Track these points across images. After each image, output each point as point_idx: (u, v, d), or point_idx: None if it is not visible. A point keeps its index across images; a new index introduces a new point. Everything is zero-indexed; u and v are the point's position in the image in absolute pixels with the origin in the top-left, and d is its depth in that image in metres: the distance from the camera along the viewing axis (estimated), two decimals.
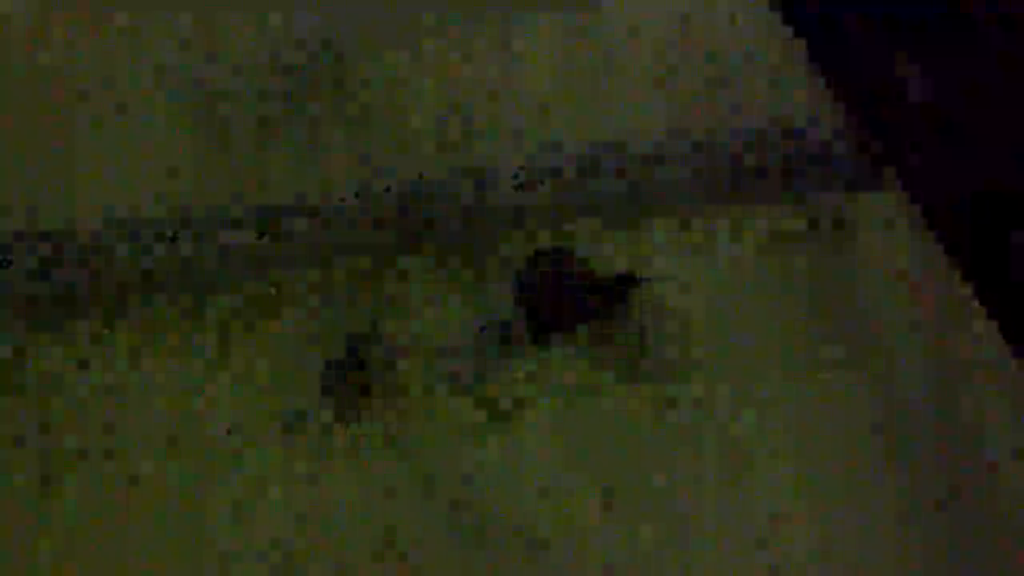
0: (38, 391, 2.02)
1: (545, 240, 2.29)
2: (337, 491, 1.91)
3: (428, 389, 2.04)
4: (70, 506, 1.88)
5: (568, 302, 2.09)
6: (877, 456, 1.95)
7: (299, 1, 2.93)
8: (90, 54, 2.64)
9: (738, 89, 2.66)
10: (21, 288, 2.19)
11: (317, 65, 2.73)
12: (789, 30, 2.79)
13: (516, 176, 2.45)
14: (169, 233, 2.31)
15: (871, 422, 2.00)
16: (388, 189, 2.42)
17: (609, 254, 2.25)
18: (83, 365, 2.06)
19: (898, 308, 2.18)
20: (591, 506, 1.89)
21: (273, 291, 2.19)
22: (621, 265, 2.19)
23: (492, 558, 1.83)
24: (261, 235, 2.30)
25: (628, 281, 2.13)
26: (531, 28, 2.81)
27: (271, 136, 2.56)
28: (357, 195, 2.40)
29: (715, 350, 2.11)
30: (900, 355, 2.10)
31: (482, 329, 2.12)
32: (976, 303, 2.18)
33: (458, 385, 2.04)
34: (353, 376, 2.02)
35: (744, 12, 2.86)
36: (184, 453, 1.94)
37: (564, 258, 2.10)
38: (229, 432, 1.97)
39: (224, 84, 2.70)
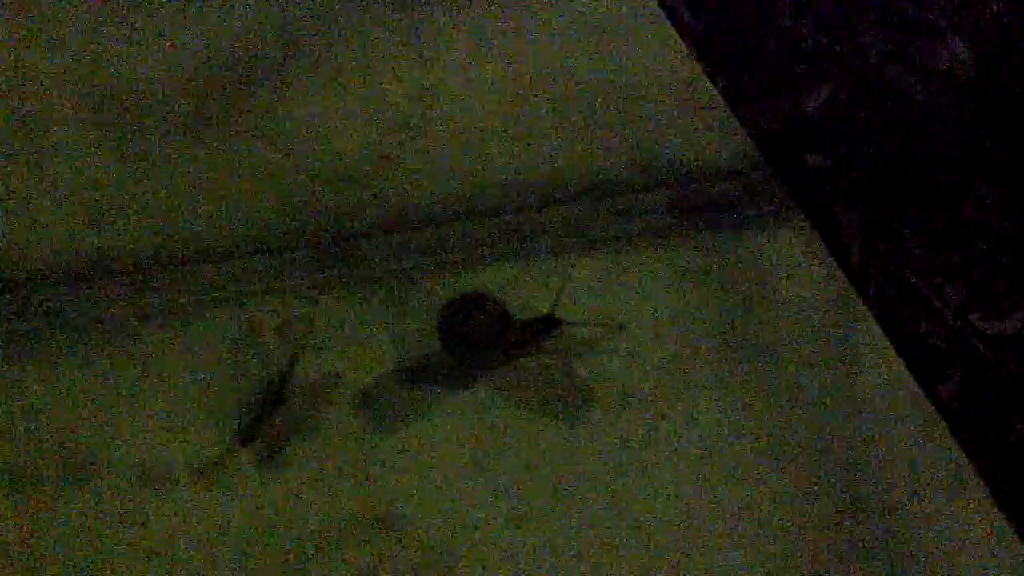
0: None
1: (466, 278, 2.31)
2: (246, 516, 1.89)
3: (348, 428, 2.03)
4: None
5: (489, 342, 2.11)
6: (779, 480, 2.01)
7: (212, 21, 2.90)
8: None
9: (649, 126, 2.70)
10: None
11: (229, 94, 2.70)
12: (702, 67, 2.85)
13: (437, 212, 2.46)
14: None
15: (775, 448, 2.05)
16: (306, 224, 2.40)
17: (529, 294, 2.27)
18: None
19: (804, 341, 2.24)
20: (501, 527, 1.91)
21: (186, 330, 2.17)
22: (541, 304, 2.21)
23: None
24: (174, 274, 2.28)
25: (548, 322, 2.16)
26: (450, 59, 2.83)
27: (181, 168, 2.52)
28: (273, 231, 2.38)
29: (628, 382, 2.14)
30: (805, 386, 2.16)
31: (402, 369, 2.13)
32: (881, 338, 2.25)
33: (379, 422, 2.04)
34: (270, 418, 2.01)
35: (656, 50, 2.92)
36: (91, 493, 1.90)
37: (485, 299, 2.12)
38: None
39: (136, 107, 2.66)
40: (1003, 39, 2.99)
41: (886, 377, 2.17)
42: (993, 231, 2.47)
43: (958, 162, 2.65)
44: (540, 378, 2.14)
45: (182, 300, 2.22)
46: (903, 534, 1.92)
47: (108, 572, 1.80)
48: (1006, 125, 2.73)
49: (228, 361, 2.11)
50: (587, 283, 2.32)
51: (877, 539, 1.91)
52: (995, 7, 3.09)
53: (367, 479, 1.94)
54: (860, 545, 1.90)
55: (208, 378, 2.08)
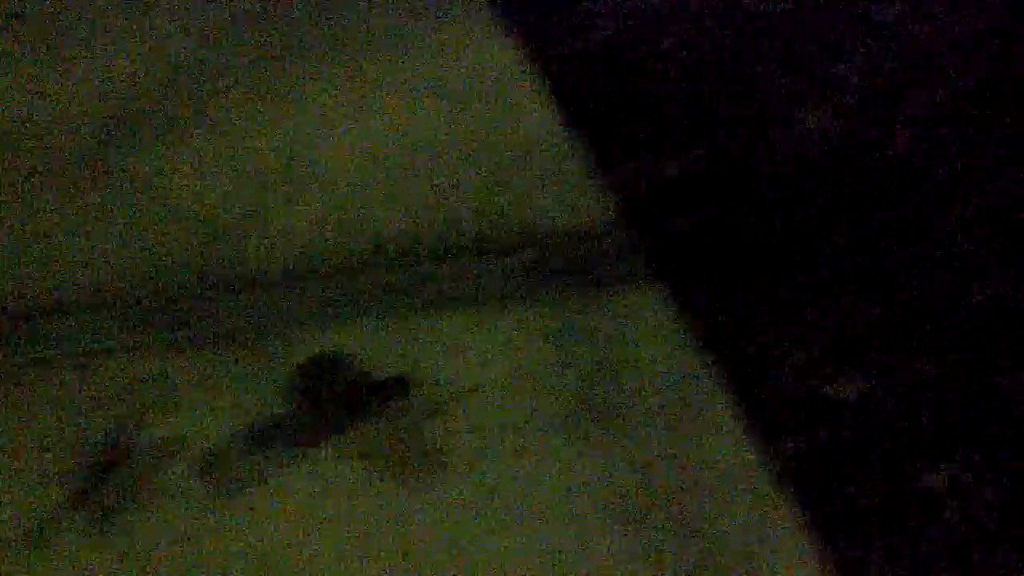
0: None
1: (325, 336, 2.30)
2: None
3: (189, 492, 2.00)
4: None
5: (341, 404, 2.10)
6: (620, 541, 2.03)
7: (87, 73, 2.87)
8: None
9: (513, 188, 2.74)
10: None
11: (84, 152, 2.68)
12: (568, 132, 2.90)
13: (299, 270, 2.45)
14: None
15: (620, 510, 2.08)
16: (164, 279, 2.38)
17: (384, 353, 2.27)
18: None
19: (655, 404, 2.28)
20: None
21: (27, 391, 2.12)
22: (395, 363, 2.21)
23: None
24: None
25: (401, 384, 2.17)
26: (312, 111, 2.84)
27: (45, 217, 2.48)
28: (130, 285, 2.35)
29: (477, 444, 2.15)
30: (653, 449, 2.19)
31: (252, 430, 2.10)
32: (731, 402, 2.30)
33: (223, 486, 2.01)
34: (110, 481, 1.97)
35: (523, 114, 2.96)
36: None
37: (338, 360, 2.12)
38: None
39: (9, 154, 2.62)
40: (860, 110, 3.11)
41: (731, 440, 2.22)
42: (841, 298, 2.55)
43: (812, 231, 2.73)
44: (390, 440, 2.14)
45: (19, 359, 2.17)
46: None
47: None
48: (860, 196, 2.83)
49: (69, 421, 2.07)
50: (444, 342, 2.33)
51: None
52: (854, 79, 3.21)
53: (207, 544, 1.91)
54: None
55: (46, 439, 2.03)
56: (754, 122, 3.02)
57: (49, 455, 2.02)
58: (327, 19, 3.24)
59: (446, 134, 2.88)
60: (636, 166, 2.87)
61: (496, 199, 2.71)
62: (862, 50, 3.23)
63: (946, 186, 2.78)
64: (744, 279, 2.61)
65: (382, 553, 1.95)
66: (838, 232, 2.74)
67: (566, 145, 2.88)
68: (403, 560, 1.94)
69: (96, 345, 2.23)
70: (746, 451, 2.20)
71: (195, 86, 2.90)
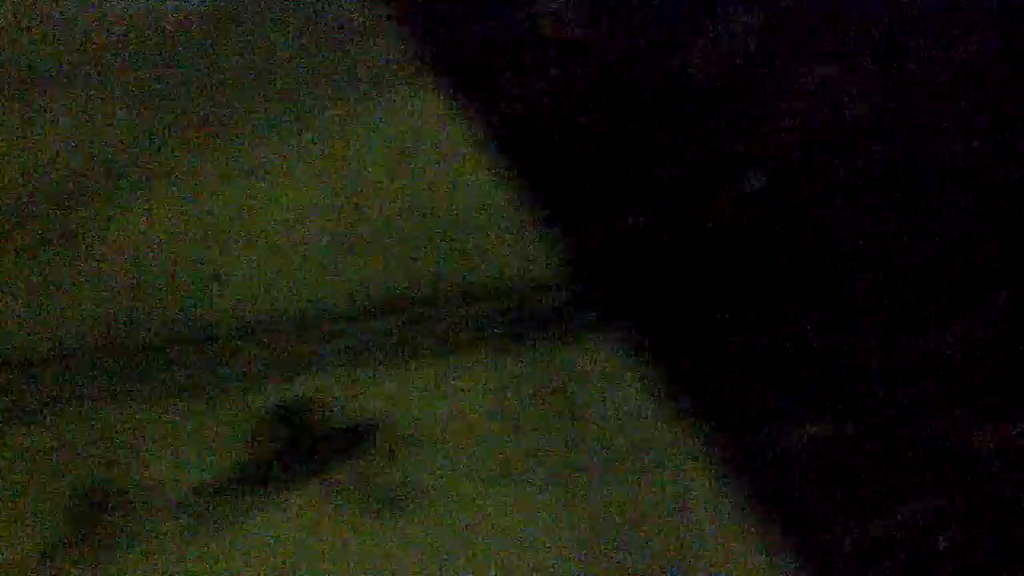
0: None
1: (281, 387, 2.32)
2: None
3: (172, 533, 2.01)
4: None
5: (307, 449, 2.14)
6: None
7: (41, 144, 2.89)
8: None
9: (472, 243, 2.79)
10: None
11: (45, 210, 2.69)
12: (521, 182, 2.96)
13: (260, 323, 2.47)
14: None
15: (586, 559, 2.11)
16: (124, 335, 2.39)
17: (346, 402, 2.30)
18: None
19: (620, 450, 2.32)
20: None
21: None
22: (357, 412, 2.25)
23: None
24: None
25: (367, 428, 2.20)
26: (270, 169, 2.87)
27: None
28: (88, 341, 2.36)
29: (443, 489, 2.17)
30: (622, 497, 2.22)
31: (224, 475, 2.12)
32: (699, 447, 2.34)
33: (204, 527, 2.02)
34: (91, 528, 1.98)
35: (478, 172, 3.02)
36: None
37: (301, 408, 2.16)
38: None
39: None
40: (801, 168, 3.21)
41: (705, 485, 2.26)
42: (811, 345, 2.62)
43: (764, 283, 2.80)
44: (356, 483, 2.15)
45: None
46: None
47: None
48: (808, 252, 2.92)
49: (45, 471, 2.09)
50: (410, 391, 2.36)
51: None
52: (791, 137, 3.32)
53: None
54: None
55: (26, 488, 2.06)
56: (700, 178, 3.11)
57: (29, 503, 2.04)
58: (269, 82, 3.28)
59: (404, 195, 2.93)
60: (592, 221, 2.92)
61: (455, 253, 2.76)
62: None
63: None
64: (704, 326, 2.66)
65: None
66: (795, 284, 2.82)
67: (523, 202, 2.94)
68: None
69: (65, 397, 2.26)
70: (720, 495, 2.25)
71: (146, 152, 2.93)
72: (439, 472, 2.21)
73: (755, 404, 2.49)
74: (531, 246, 2.81)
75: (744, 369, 2.56)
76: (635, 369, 2.49)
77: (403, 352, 2.47)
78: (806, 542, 2.19)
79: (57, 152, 2.91)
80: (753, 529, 2.19)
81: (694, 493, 2.24)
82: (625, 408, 2.40)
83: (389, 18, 3.36)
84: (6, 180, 2.78)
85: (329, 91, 3.15)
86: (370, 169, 2.97)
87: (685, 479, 2.26)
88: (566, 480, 2.23)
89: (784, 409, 2.47)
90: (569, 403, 2.40)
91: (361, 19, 3.30)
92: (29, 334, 2.36)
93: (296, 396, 2.26)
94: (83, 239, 2.65)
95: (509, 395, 2.40)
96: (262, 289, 2.57)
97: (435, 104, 3.20)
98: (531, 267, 2.75)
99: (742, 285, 2.79)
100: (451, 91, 3.22)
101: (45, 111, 2.97)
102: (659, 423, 2.37)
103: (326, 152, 3.00)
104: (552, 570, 2.06)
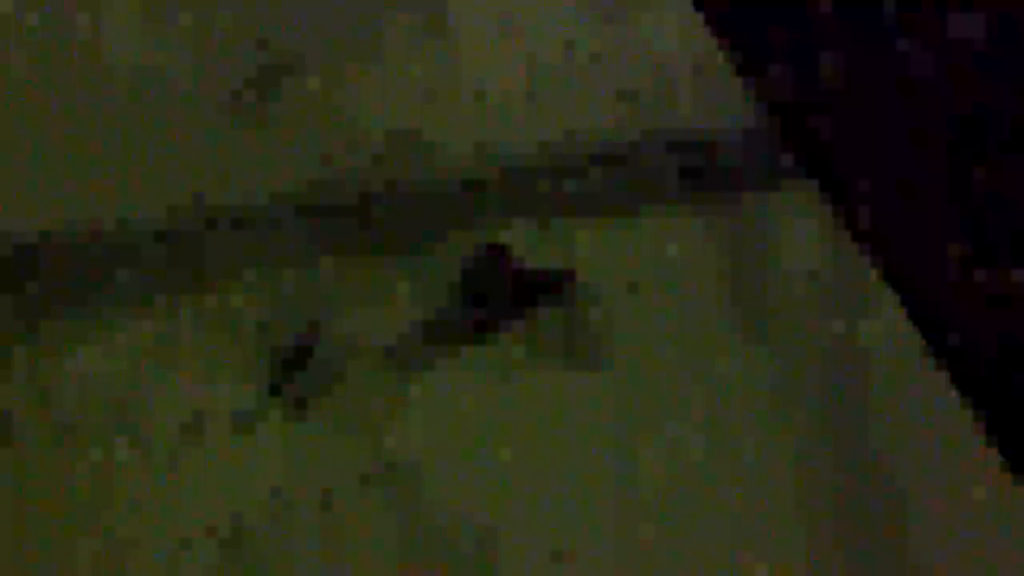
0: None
1: (484, 238, 2.40)
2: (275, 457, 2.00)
3: (372, 381, 2.13)
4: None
5: (508, 296, 2.20)
6: (787, 434, 2.09)
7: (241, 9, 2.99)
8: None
9: (661, 95, 2.78)
10: None
11: (264, 67, 2.80)
12: (713, 37, 2.92)
13: (454, 180, 2.54)
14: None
15: (784, 401, 2.13)
16: (333, 192, 2.50)
17: (543, 252, 2.36)
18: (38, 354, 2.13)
19: (808, 298, 2.32)
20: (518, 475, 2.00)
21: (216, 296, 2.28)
22: (555, 261, 2.30)
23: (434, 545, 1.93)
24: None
25: (564, 275, 2.26)
26: (472, 29, 2.91)
27: (219, 135, 2.62)
28: (303, 197, 2.48)
29: (640, 339, 2.22)
30: (808, 340, 2.23)
31: (425, 325, 2.22)
32: (889, 295, 2.32)
33: (403, 376, 2.13)
34: (299, 376, 2.11)
35: (668, 22, 2.98)
36: (133, 443, 2.02)
37: (503, 254, 2.21)
38: None
39: (174, 84, 2.76)
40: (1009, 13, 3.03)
41: (891, 330, 2.25)
42: (999, 194, 2.53)
43: (966, 130, 2.71)
44: (557, 333, 2.23)
45: (208, 268, 2.33)
46: (902, 482, 2.01)
47: (156, 508, 1.93)
48: (1012, 94, 2.79)
49: (259, 321, 2.22)
50: (599, 246, 2.40)
51: (878, 487, 1.99)
52: None
53: (390, 429, 2.05)
54: (857, 497, 1.99)
55: (241, 337, 2.19)
56: (905, 23, 2.98)
57: (244, 351, 2.17)
58: None
59: (593, 46, 2.92)
60: (783, 71, 2.87)
61: (643, 107, 2.75)
62: None
63: None
64: (894, 176, 2.61)
65: (554, 444, 2.05)
66: (995, 132, 2.71)
67: (712, 52, 2.90)
68: (573, 448, 2.04)
69: (279, 253, 2.37)
70: (906, 339, 2.24)
71: (355, 23, 3.01)
72: (633, 325, 2.26)
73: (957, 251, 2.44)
74: (723, 98, 2.78)
75: (932, 219, 2.50)
76: (824, 220, 2.47)
77: (598, 205, 2.51)
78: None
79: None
80: (941, 371, 2.17)
81: (882, 340, 2.24)
82: (814, 257, 2.39)
83: None
84: (222, 29, 2.87)
85: None
86: (564, 23, 2.97)
87: (874, 326, 2.25)
88: (762, 328, 2.25)
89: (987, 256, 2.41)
90: (762, 252, 2.41)
91: None
92: (236, 195, 2.49)
93: (497, 244, 2.31)
94: (297, 91, 2.75)
95: (699, 245, 2.41)
96: (461, 148, 2.64)
97: None
98: (722, 119, 2.72)
99: (942, 141, 2.70)
100: None
101: None
102: (848, 272, 2.36)
103: (526, 8, 3.01)
104: (753, 418, 2.10)
